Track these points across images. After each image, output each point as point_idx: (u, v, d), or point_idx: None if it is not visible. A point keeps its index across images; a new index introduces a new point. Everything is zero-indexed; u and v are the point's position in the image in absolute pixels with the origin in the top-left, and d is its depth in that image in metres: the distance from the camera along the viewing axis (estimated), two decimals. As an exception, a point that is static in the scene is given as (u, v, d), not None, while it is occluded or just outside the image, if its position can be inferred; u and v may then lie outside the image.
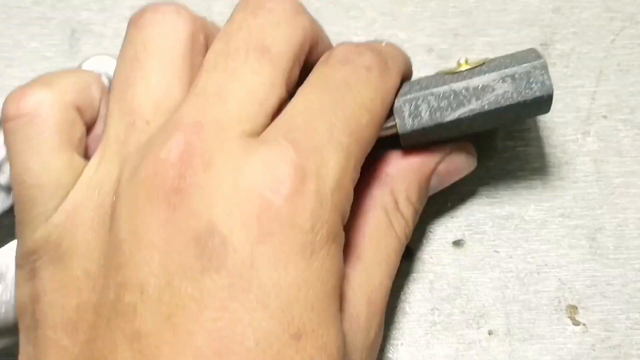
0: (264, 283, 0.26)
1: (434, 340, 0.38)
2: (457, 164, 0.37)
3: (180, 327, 0.25)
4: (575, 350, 0.37)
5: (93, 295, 0.28)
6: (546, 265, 0.38)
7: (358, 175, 0.30)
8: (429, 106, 0.33)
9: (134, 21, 0.33)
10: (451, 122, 0.33)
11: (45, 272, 0.29)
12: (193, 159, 0.27)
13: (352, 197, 0.30)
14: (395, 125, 0.34)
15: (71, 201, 0.30)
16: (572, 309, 0.38)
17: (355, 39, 0.44)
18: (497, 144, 0.40)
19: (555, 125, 0.42)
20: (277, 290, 0.26)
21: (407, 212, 0.34)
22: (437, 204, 0.40)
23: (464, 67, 0.35)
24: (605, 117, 0.42)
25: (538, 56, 0.34)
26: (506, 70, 0.33)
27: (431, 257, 0.40)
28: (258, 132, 0.29)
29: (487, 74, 0.33)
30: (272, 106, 0.30)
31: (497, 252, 0.39)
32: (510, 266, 0.39)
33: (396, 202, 0.34)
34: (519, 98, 0.33)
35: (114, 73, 0.32)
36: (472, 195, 0.40)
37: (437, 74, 0.35)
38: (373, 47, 0.34)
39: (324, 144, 0.29)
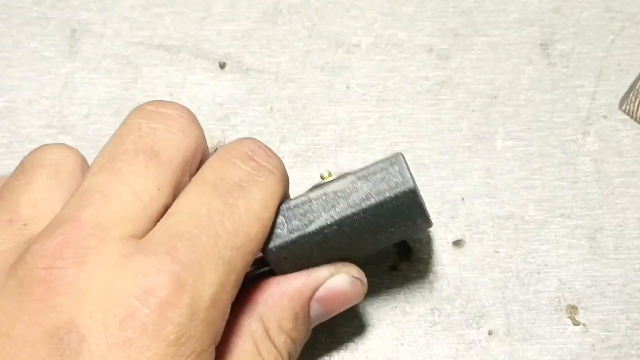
0: None
1: (434, 340, 0.38)
2: (340, 289, 0.33)
3: None
4: (575, 350, 0.37)
5: None
6: (546, 265, 0.39)
7: (237, 290, 0.29)
8: (287, 220, 0.31)
9: (27, 157, 0.33)
10: (314, 232, 0.31)
11: None
12: (65, 252, 0.27)
13: (227, 315, 0.29)
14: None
15: None
16: (572, 309, 0.38)
17: (355, 39, 0.44)
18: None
19: (555, 125, 0.42)
20: None
21: (280, 341, 0.32)
22: (437, 204, 0.40)
23: (327, 178, 0.33)
24: (605, 117, 0.42)
25: (395, 155, 0.31)
26: (363, 171, 0.31)
27: (431, 257, 0.40)
28: (140, 235, 0.29)
29: (344, 179, 0.31)
30: (156, 210, 0.29)
31: (497, 252, 0.39)
32: (510, 266, 0.39)
33: (266, 331, 0.32)
34: (379, 196, 0.30)
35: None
36: (472, 195, 0.40)
37: (301, 193, 0.33)
38: (277, 156, 0.33)
39: (205, 256, 0.28)
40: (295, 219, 0.31)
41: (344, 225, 0.31)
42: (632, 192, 0.40)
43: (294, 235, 0.31)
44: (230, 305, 0.29)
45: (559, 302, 0.38)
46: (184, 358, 0.26)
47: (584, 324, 0.37)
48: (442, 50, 0.44)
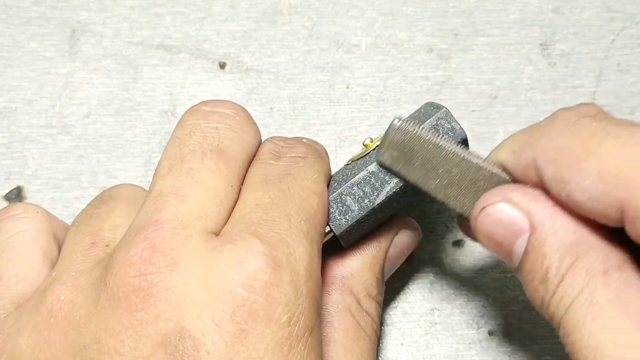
0: None
1: (434, 340, 0.38)
2: (405, 243, 0.36)
3: None
4: (575, 350, 0.37)
5: None
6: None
7: (320, 261, 0.30)
8: (354, 197, 0.33)
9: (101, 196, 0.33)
10: (382, 203, 0.33)
11: None
12: (154, 256, 0.26)
13: (322, 287, 0.29)
14: (331, 230, 0.33)
15: (19, 320, 0.28)
16: (572, 309, 0.38)
17: (355, 39, 0.44)
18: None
19: (555, 125, 0.42)
20: None
21: (371, 308, 0.34)
22: (437, 204, 0.40)
23: (371, 146, 0.34)
24: (605, 117, 0.42)
25: (438, 107, 0.33)
26: None
27: (431, 257, 0.40)
28: (218, 231, 0.28)
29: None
30: (231, 206, 0.30)
31: (497, 252, 0.39)
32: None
33: (359, 302, 0.33)
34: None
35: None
36: (472, 195, 0.40)
37: (348, 165, 0.35)
38: (299, 139, 0.34)
39: (287, 233, 0.28)
40: (361, 194, 0.33)
41: (406, 187, 0.33)
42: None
43: (364, 212, 0.33)
44: (320, 275, 0.29)
45: (559, 302, 0.38)
46: (299, 337, 0.26)
47: (584, 324, 0.37)
48: (442, 50, 0.44)
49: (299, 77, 0.43)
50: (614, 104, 0.42)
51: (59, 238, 0.32)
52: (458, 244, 0.40)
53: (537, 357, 0.37)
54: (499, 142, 0.41)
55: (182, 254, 0.27)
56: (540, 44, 0.44)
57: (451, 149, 0.31)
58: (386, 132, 0.32)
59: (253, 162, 0.32)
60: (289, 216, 0.29)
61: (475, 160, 0.31)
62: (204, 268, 0.26)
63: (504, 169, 0.31)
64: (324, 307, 0.32)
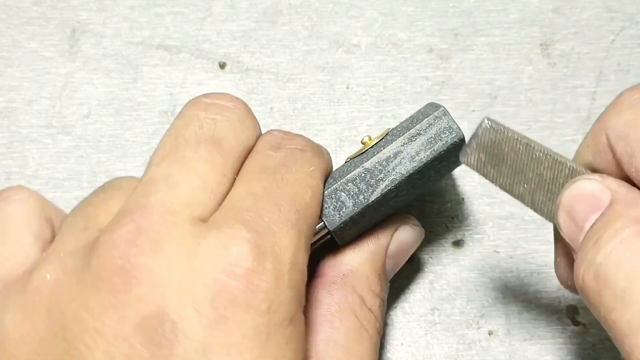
0: None
1: (434, 340, 0.38)
2: (406, 240, 0.36)
3: None
4: (575, 350, 0.37)
5: None
6: (546, 265, 0.38)
7: (308, 256, 0.29)
8: (349, 193, 0.33)
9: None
10: (377, 200, 0.33)
11: None
12: (138, 239, 0.26)
13: (306, 278, 0.29)
14: (324, 226, 0.33)
15: (5, 293, 0.28)
16: (572, 309, 0.38)
17: (355, 39, 0.44)
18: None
19: (555, 125, 0.42)
20: None
21: (375, 305, 0.33)
22: (437, 204, 0.40)
23: (369, 144, 0.34)
24: (605, 117, 0.42)
25: (436, 106, 0.33)
26: (410, 131, 0.33)
27: (431, 257, 0.40)
28: (207, 219, 0.28)
29: (393, 142, 0.33)
30: (222, 195, 0.29)
31: (497, 252, 0.39)
32: (510, 266, 0.39)
33: (362, 299, 0.33)
34: (434, 152, 0.33)
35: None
36: (472, 195, 0.40)
37: (346, 162, 0.34)
38: (299, 135, 0.34)
39: (274, 222, 0.28)
40: (356, 190, 0.33)
41: (401, 185, 0.33)
42: (632, 192, 0.40)
43: (358, 208, 0.33)
44: (306, 268, 0.29)
45: (559, 302, 0.38)
46: (277, 325, 0.26)
47: (584, 324, 0.37)
48: (442, 50, 0.44)
49: (299, 77, 0.43)
50: (614, 104, 0.42)
51: (54, 222, 0.31)
52: (458, 244, 0.40)
53: (537, 357, 0.37)
54: (499, 142, 0.42)
55: (167, 238, 0.27)
56: (540, 44, 0.44)
57: (544, 151, 0.30)
58: (474, 134, 0.31)
59: (251, 152, 0.32)
60: (279, 206, 0.29)
61: (569, 163, 0.30)
62: (188, 253, 0.27)
63: (592, 169, 0.30)
64: (326, 307, 0.32)
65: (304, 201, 0.30)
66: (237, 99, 0.33)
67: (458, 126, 0.33)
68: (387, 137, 0.33)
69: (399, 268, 0.36)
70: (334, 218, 0.33)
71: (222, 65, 0.43)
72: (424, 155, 0.33)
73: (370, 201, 0.33)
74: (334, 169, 0.34)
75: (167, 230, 0.27)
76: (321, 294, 0.33)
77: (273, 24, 0.44)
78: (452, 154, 0.33)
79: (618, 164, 0.29)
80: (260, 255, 0.27)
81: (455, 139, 0.33)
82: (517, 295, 0.38)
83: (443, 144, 0.33)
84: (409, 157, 0.33)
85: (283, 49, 0.44)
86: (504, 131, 0.30)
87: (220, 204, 0.29)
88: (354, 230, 0.33)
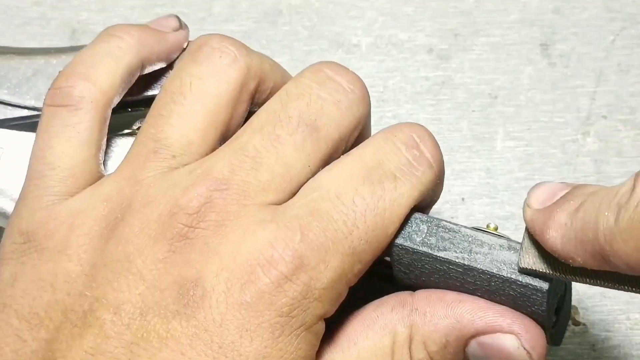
0: (225, 344, 0.27)
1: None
2: (504, 349, 0.30)
3: (137, 357, 0.27)
4: (575, 350, 0.37)
5: (67, 298, 0.28)
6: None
7: (358, 278, 0.29)
8: (427, 232, 0.30)
9: (192, 50, 0.33)
10: (440, 259, 0.30)
11: (29, 258, 0.29)
12: (209, 215, 0.28)
13: (344, 296, 0.29)
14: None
15: (78, 202, 0.30)
16: (572, 309, 0.38)
17: (355, 39, 0.44)
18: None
19: (555, 125, 0.42)
20: (235, 355, 0.27)
21: (418, 356, 0.30)
22: (437, 204, 0.40)
23: (488, 229, 0.31)
24: (605, 117, 0.42)
25: (544, 281, 0.29)
26: (518, 244, 0.29)
27: (431, 257, 0.40)
28: (279, 203, 0.29)
29: (500, 238, 0.30)
30: (301, 183, 0.30)
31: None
32: (510, 266, 0.39)
33: (410, 340, 0.30)
34: (511, 273, 0.29)
35: (157, 94, 0.32)
36: (472, 195, 0.40)
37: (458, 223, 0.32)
38: (434, 142, 0.31)
39: (336, 242, 0.28)
40: (434, 236, 0.30)
41: (468, 273, 0.30)
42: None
43: (422, 249, 0.30)
44: (347, 289, 0.29)
45: (559, 302, 0.38)
46: (293, 329, 0.27)
47: (584, 324, 0.37)
48: (442, 50, 0.44)
49: (299, 77, 0.43)
50: (614, 104, 0.42)
51: (154, 59, 0.34)
52: (458, 244, 0.40)
53: (537, 357, 0.37)
54: (498, 142, 0.41)
55: (233, 219, 0.28)
56: (540, 44, 0.44)
57: None
58: (524, 235, 0.29)
59: (387, 132, 0.31)
60: (353, 228, 0.29)
61: None
62: (243, 235, 0.28)
63: None
64: (375, 310, 0.30)
65: (384, 234, 0.29)
66: (358, 80, 0.32)
67: (551, 280, 0.29)
68: (505, 238, 0.30)
69: None
70: (399, 237, 0.30)
71: (222, 66, 0.43)
72: (503, 269, 0.29)
73: (433, 254, 0.30)
74: None
75: (236, 211, 0.28)
76: (385, 302, 0.31)
77: (273, 24, 0.44)
78: (529, 299, 0.29)
79: None
80: (300, 266, 0.27)
81: (535, 285, 0.29)
82: (517, 295, 0.38)
83: (523, 277, 0.29)
84: (493, 257, 0.30)
85: (283, 49, 0.44)
86: None
87: (295, 191, 0.30)
88: (409, 270, 0.31)
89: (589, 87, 0.42)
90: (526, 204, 0.29)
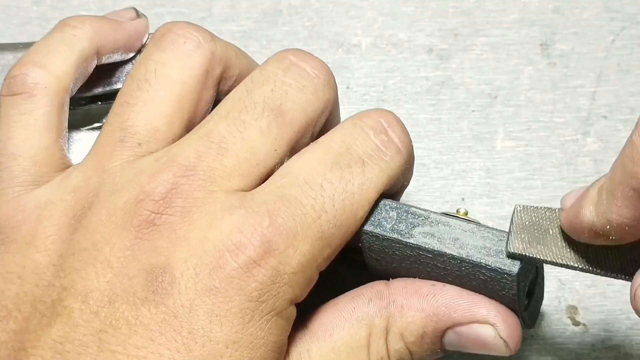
0: (195, 329, 0.27)
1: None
2: (481, 338, 0.30)
3: (106, 344, 0.27)
4: (575, 350, 0.37)
5: (35, 289, 0.28)
6: (546, 265, 0.38)
7: (329, 262, 0.29)
8: (396, 219, 0.30)
9: (156, 37, 0.33)
10: (410, 246, 0.30)
11: None
12: (175, 201, 0.28)
13: (314, 281, 0.29)
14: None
15: (45, 194, 0.30)
16: (572, 309, 0.38)
17: (355, 39, 0.44)
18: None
19: (555, 125, 0.42)
20: (205, 341, 0.27)
21: (394, 347, 0.30)
22: (437, 204, 0.40)
23: (458, 214, 0.31)
24: (605, 117, 0.42)
25: (513, 265, 0.29)
26: (488, 231, 0.30)
27: (431, 257, 0.40)
28: (247, 188, 0.29)
29: (468, 224, 0.30)
30: (268, 168, 0.30)
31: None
32: (510, 266, 0.39)
33: (386, 331, 0.30)
34: (480, 258, 0.29)
35: (124, 83, 0.32)
36: (472, 195, 0.40)
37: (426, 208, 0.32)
38: (403, 127, 0.32)
39: (305, 226, 0.28)
40: (403, 222, 0.30)
41: (438, 258, 0.30)
42: (632, 192, 0.40)
43: (392, 235, 0.30)
44: (318, 274, 0.29)
45: (559, 302, 0.38)
46: (263, 314, 0.28)
47: (584, 324, 0.37)
48: (442, 50, 0.44)
49: (299, 77, 0.43)
50: (614, 104, 0.42)
51: (109, 50, 0.34)
52: (458, 244, 0.40)
53: (537, 357, 0.37)
54: (498, 142, 0.41)
55: (200, 205, 0.28)
56: (540, 44, 0.44)
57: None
58: (511, 220, 0.30)
59: (356, 118, 0.31)
60: (321, 212, 0.29)
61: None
62: (211, 221, 0.28)
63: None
64: (352, 302, 0.30)
65: (353, 217, 0.30)
66: (323, 65, 0.32)
67: (522, 266, 0.29)
68: (475, 223, 0.31)
69: (467, 351, 0.31)
70: (366, 221, 0.30)
71: (222, 66, 0.43)
72: (473, 254, 0.30)
73: (403, 240, 0.30)
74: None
75: (203, 197, 0.29)
76: (361, 293, 0.31)
77: (273, 24, 0.44)
78: (499, 284, 0.30)
79: None
80: (269, 251, 0.28)
81: (506, 269, 0.29)
82: (517, 295, 0.38)
83: (493, 262, 0.29)
84: (462, 243, 0.30)
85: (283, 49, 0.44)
86: (538, 207, 0.30)
87: (264, 176, 0.30)
88: (379, 257, 0.31)
89: (589, 87, 0.42)
90: (561, 209, 0.29)
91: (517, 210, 0.30)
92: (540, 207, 0.30)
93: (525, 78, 0.43)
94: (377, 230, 0.30)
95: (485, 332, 0.30)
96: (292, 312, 0.29)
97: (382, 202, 0.31)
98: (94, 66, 0.34)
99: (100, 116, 0.35)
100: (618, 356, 0.37)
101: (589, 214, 0.27)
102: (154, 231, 0.28)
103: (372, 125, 0.31)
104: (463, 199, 0.40)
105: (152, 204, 0.28)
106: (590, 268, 0.29)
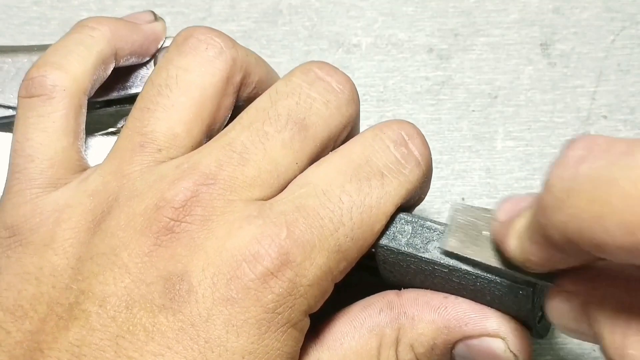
0: (212, 339, 0.27)
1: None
2: (492, 352, 0.30)
3: (124, 350, 0.27)
4: (575, 350, 0.37)
5: (52, 291, 0.28)
6: (546, 265, 0.38)
7: (344, 274, 0.29)
8: (411, 233, 0.30)
9: (178, 42, 0.33)
10: (425, 260, 0.30)
11: (14, 252, 0.29)
12: (195, 209, 0.28)
13: (329, 293, 0.29)
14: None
15: (64, 197, 0.30)
16: (572, 309, 0.38)
17: (355, 39, 0.44)
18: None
19: (555, 125, 0.42)
20: (222, 351, 0.27)
21: (405, 359, 0.30)
22: (437, 204, 0.40)
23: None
24: (605, 117, 0.42)
25: (528, 281, 0.29)
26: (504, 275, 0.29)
27: (431, 257, 0.40)
28: (267, 198, 0.29)
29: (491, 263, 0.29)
30: (289, 180, 0.30)
31: (497, 252, 0.39)
32: (510, 266, 0.39)
33: (397, 342, 0.30)
34: (496, 275, 0.29)
35: (143, 87, 0.32)
36: (472, 195, 0.40)
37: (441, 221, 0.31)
38: (423, 140, 0.31)
39: (322, 239, 0.28)
40: (418, 237, 0.30)
41: (453, 273, 0.30)
42: (632, 192, 0.40)
43: (407, 249, 0.30)
44: (333, 286, 0.29)
45: (559, 302, 0.38)
46: (279, 325, 0.27)
47: (584, 324, 0.37)
48: (442, 50, 0.44)
49: (299, 77, 0.43)
50: (614, 104, 0.42)
51: (124, 52, 0.34)
52: (458, 244, 0.40)
53: (537, 357, 0.37)
54: (498, 142, 0.41)
55: (219, 214, 0.28)
56: (540, 44, 0.44)
57: None
58: (449, 217, 0.30)
59: (376, 129, 0.31)
60: (339, 225, 0.29)
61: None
62: (229, 231, 0.28)
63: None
64: (363, 311, 0.30)
65: (370, 231, 0.29)
66: (348, 80, 0.32)
67: (535, 285, 0.29)
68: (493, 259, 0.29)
69: None
70: (383, 238, 0.30)
71: (222, 65, 0.43)
72: (488, 270, 0.29)
73: (418, 255, 0.30)
74: None
75: (222, 207, 0.29)
76: (373, 303, 0.31)
77: (273, 24, 0.44)
78: (513, 300, 0.29)
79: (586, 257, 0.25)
80: (285, 262, 0.28)
81: (520, 285, 0.29)
82: (517, 295, 0.38)
83: (507, 277, 0.29)
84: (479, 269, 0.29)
85: (283, 49, 0.44)
86: (475, 207, 0.30)
87: (284, 186, 0.30)
88: (395, 270, 0.31)
89: (589, 87, 0.42)
90: (495, 218, 0.28)
91: (455, 209, 0.30)
92: (478, 207, 0.30)
93: (525, 78, 0.43)
94: (392, 244, 0.30)
95: (496, 346, 0.30)
96: (306, 323, 0.29)
97: (397, 216, 0.30)
98: (112, 68, 0.34)
99: (115, 120, 0.35)
100: (618, 356, 0.37)
101: (513, 246, 0.27)
102: (172, 238, 0.28)
103: (392, 137, 0.31)
104: (463, 199, 0.40)
105: (172, 211, 0.28)
106: (516, 274, 0.28)
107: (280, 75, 0.43)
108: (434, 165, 0.41)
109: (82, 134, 0.32)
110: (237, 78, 0.32)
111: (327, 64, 0.32)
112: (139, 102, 0.32)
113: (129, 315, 0.27)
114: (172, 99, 0.31)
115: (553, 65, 0.43)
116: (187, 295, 0.27)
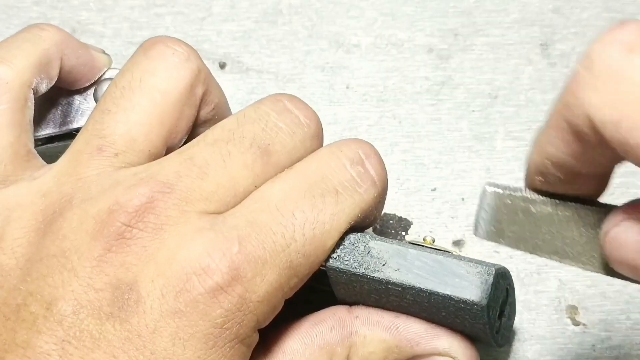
0: (158, 351, 0.27)
1: (434, 340, 0.38)
2: None
3: (69, 355, 0.26)
4: (575, 350, 0.37)
5: (0, 291, 0.28)
6: (546, 265, 0.38)
7: (294, 291, 0.29)
8: (363, 252, 0.30)
9: (145, 47, 0.33)
10: (377, 280, 0.30)
11: None
12: (148, 216, 0.28)
13: (279, 309, 0.29)
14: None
15: (14, 195, 0.30)
16: (572, 309, 0.38)
17: (355, 39, 0.44)
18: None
19: (555, 125, 0.42)
20: None
21: None
22: (437, 204, 0.40)
23: (425, 243, 0.32)
24: (605, 117, 0.42)
25: (491, 269, 0.30)
26: (456, 261, 0.30)
27: (431, 257, 0.40)
28: (220, 212, 0.29)
29: (436, 254, 0.30)
30: (244, 196, 0.30)
31: (497, 252, 0.39)
32: (511, 266, 0.39)
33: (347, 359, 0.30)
34: (447, 291, 0.29)
35: (107, 88, 0.32)
36: (472, 195, 0.40)
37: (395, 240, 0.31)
38: (380, 159, 0.31)
39: (274, 255, 0.28)
40: (370, 256, 0.30)
41: (407, 291, 0.30)
42: (632, 192, 0.40)
43: (359, 270, 0.30)
44: (283, 302, 0.29)
45: (559, 302, 0.38)
46: (227, 340, 0.27)
47: (584, 324, 0.37)
48: (442, 50, 0.44)
49: (299, 77, 0.43)
50: (614, 104, 0.42)
51: (71, 60, 0.34)
52: (458, 243, 0.40)
53: (537, 357, 0.37)
54: (498, 142, 0.41)
55: (172, 224, 0.28)
56: (540, 44, 0.44)
57: (556, 203, 0.28)
58: (480, 203, 0.29)
59: (334, 147, 0.31)
60: (291, 241, 0.29)
61: (577, 207, 0.27)
62: (181, 242, 0.28)
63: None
64: (314, 328, 0.31)
65: (322, 247, 0.29)
66: (315, 116, 0.32)
67: (492, 293, 0.29)
68: (443, 252, 0.30)
69: None
70: (334, 255, 0.30)
71: (222, 66, 0.43)
72: (440, 287, 0.29)
73: (370, 276, 0.30)
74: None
75: (176, 217, 0.28)
76: (324, 319, 0.31)
77: (273, 24, 0.44)
78: (469, 315, 0.29)
79: (608, 155, 0.24)
80: (236, 277, 0.27)
81: (473, 300, 0.29)
82: (517, 295, 0.38)
83: (461, 294, 0.29)
84: (430, 277, 0.30)
85: (283, 49, 0.44)
86: (510, 192, 0.28)
87: (239, 202, 0.29)
88: (348, 290, 0.31)
89: (589, 87, 0.42)
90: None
91: (486, 194, 0.29)
92: (513, 192, 0.28)
93: (526, 78, 0.43)
94: (344, 266, 0.30)
95: None
96: (255, 338, 0.29)
97: (350, 236, 0.30)
98: (58, 71, 0.34)
99: (56, 156, 0.35)
100: (618, 356, 0.37)
101: (534, 152, 0.27)
102: (123, 244, 0.28)
103: (349, 156, 0.31)
104: (463, 199, 0.40)
105: (125, 216, 0.28)
106: (562, 261, 0.28)
107: (281, 75, 0.43)
108: (434, 165, 0.41)
109: (29, 127, 0.32)
110: (200, 90, 0.32)
111: (297, 97, 0.32)
112: (100, 103, 0.31)
113: (76, 321, 0.27)
114: (134, 101, 0.31)
115: (553, 65, 0.43)
116: (136, 305, 0.27)
